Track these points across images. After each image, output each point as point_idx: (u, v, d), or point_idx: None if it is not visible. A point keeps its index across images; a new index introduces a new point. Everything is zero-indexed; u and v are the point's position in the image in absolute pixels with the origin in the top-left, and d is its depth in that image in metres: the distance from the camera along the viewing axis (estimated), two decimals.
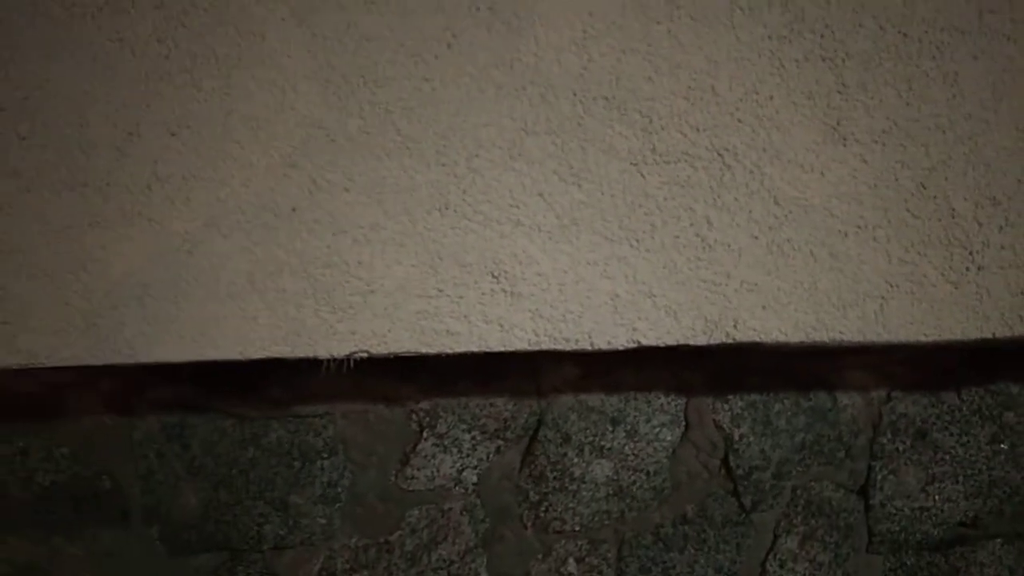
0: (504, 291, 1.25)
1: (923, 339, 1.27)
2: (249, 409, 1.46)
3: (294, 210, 1.22)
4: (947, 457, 1.52)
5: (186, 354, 1.22)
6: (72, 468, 1.43)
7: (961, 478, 1.53)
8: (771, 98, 1.25)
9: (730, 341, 1.26)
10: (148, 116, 1.19)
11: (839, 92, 1.24)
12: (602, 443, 1.49)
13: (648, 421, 1.50)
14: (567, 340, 1.25)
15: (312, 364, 1.28)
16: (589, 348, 1.26)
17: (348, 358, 1.24)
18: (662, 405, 1.50)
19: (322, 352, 1.23)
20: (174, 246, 1.21)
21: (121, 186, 1.19)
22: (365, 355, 1.24)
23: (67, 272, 1.18)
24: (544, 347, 1.26)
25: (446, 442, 1.48)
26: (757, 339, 1.26)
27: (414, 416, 1.48)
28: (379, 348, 1.23)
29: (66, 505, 1.43)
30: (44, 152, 1.17)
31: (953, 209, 1.25)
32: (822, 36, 1.24)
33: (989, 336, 1.26)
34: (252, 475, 1.46)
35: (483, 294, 1.25)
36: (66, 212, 1.18)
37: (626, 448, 1.50)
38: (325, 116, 1.22)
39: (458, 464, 1.49)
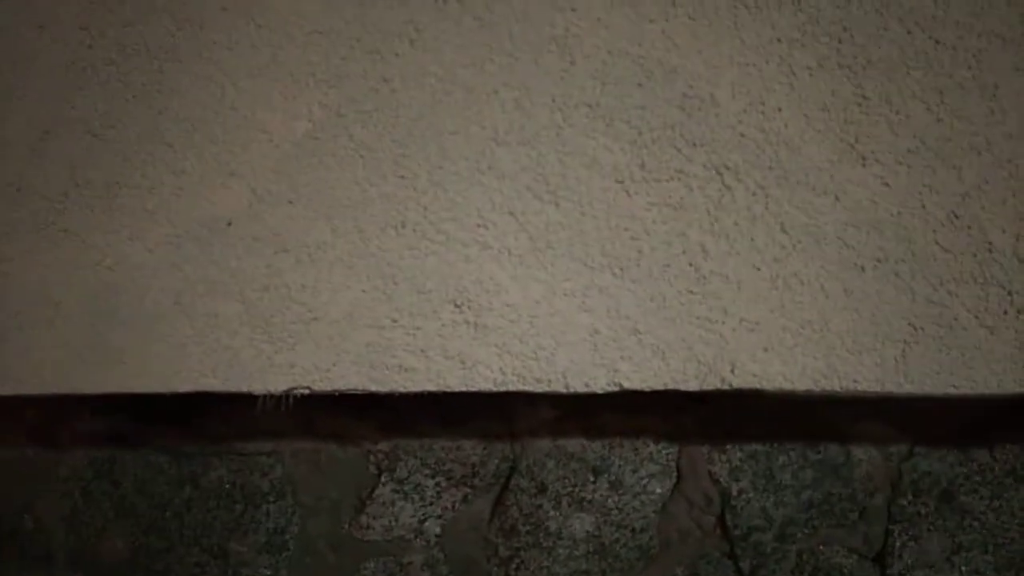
0: (467, 322, 1.14)
1: (952, 391, 1.13)
2: (187, 444, 1.38)
3: (230, 224, 1.13)
4: (976, 524, 1.39)
5: (104, 385, 1.15)
6: None
7: (991, 547, 1.39)
8: (779, 110, 1.13)
9: (726, 387, 1.14)
10: (67, 113, 1.12)
11: (858, 104, 1.12)
12: (582, 494, 1.38)
13: (635, 471, 1.38)
14: (538, 380, 1.14)
15: (251, 399, 1.17)
16: (563, 391, 1.15)
17: (287, 394, 1.13)
18: (651, 454, 1.38)
19: (257, 387, 1.14)
20: (93, 260, 1.13)
21: (33, 191, 1.12)
22: (306, 391, 1.13)
23: None
24: (512, 388, 1.15)
25: (407, 488, 1.38)
26: (757, 386, 1.14)
27: (372, 458, 1.38)
28: (321, 384, 1.14)
29: None
30: None
31: (989, 242, 1.12)
32: (840, 41, 1.12)
33: None
34: (188, 518, 1.38)
35: (443, 325, 1.14)
36: None
37: (609, 501, 1.38)
38: (268, 118, 1.12)
39: (420, 513, 1.38)
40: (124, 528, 1.37)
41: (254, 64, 1.11)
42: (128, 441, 1.36)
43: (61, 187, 1.10)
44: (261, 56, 1.11)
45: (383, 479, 1.37)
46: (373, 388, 1.13)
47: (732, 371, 1.13)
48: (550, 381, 1.14)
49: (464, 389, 1.13)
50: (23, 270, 1.10)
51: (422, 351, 1.13)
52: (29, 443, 1.37)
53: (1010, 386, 1.12)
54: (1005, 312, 1.12)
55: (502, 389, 1.14)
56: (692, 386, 1.13)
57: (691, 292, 1.13)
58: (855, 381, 1.13)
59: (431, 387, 1.13)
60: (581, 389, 1.14)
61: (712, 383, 1.13)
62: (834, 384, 1.13)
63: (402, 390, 1.13)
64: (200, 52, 1.10)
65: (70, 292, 1.11)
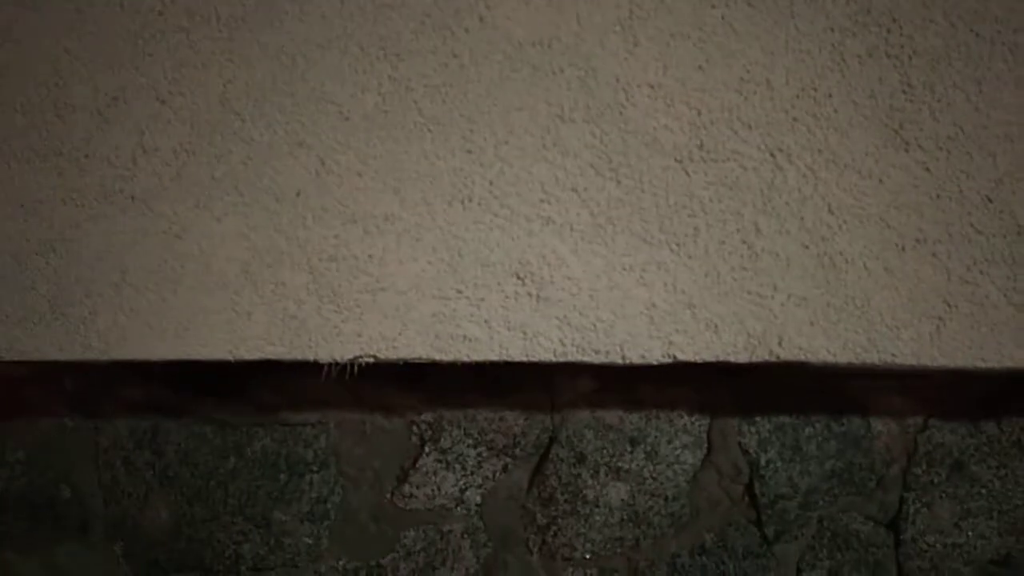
0: (530, 295, 1.15)
1: (981, 365, 1.19)
2: (232, 414, 1.37)
3: (298, 194, 1.12)
4: (983, 491, 1.45)
5: (168, 351, 1.13)
6: (27, 474, 1.34)
7: (996, 513, 1.46)
8: (830, 96, 1.17)
9: (774, 359, 1.18)
10: (136, 79, 1.10)
11: (904, 92, 1.17)
12: (619, 464, 1.41)
13: (669, 442, 1.42)
14: (596, 352, 1.16)
15: (309, 368, 1.18)
16: (620, 362, 1.17)
17: (352, 362, 1.14)
18: (685, 425, 1.42)
19: (323, 355, 1.13)
20: (160, 228, 1.12)
21: (101, 158, 1.10)
22: (371, 360, 1.13)
23: (34, 253, 1.08)
24: (571, 358, 1.16)
25: (449, 458, 1.39)
26: (803, 358, 1.18)
27: (415, 428, 1.39)
28: (388, 353, 1.14)
29: (20, 516, 1.35)
30: (13, 116, 1.08)
31: (1020, 226, 1.17)
32: (888, 31, 1.16)
33: None
34: (232, 488, 1.37)
35: (506, 297, 1.15)
36: (36, 184, 1.08)
37: (644, 470, 1.41)
38: (338, 90, 1.12)
39: (461, 482, 1.40)
40: (166, 498, 1.36)
41: (325, 36, 1.10)
42: (171, 410, 1.35)
43: (129, 154, 1.08)
44: (332, 28, 1.10)
45: (426, 449, 1.38)
46: (438, 357, 1.14)
47: (780, 344, 1.17)
48: (608, 352, 1.16)
49: (525, 359, 1.15)
50: (90, 236, 1.08)
51: (485, 322, 1.14)
52: (69, 412, 1.34)
53: None
54: None
55: (562, 360, 1.15)
56: (742, 358, 1.17)
57: (744, 268, 1.17)
58: (893, 355, 1.18)
59: (494, 357, 1.14)
60: (637, 360, 1.16)
61: (761, 355, 1.17)
62: (873, 357, 1.18)
63: (466, 359, 1.14)
64: (271, 22, 1.09)
65: (136, 259, 1.09)
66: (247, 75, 1.09)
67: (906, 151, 1.17)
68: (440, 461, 1.39)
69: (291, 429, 1.37)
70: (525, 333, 1.15)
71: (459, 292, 1.14)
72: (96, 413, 1.35)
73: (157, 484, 1.35)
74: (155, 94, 1.08)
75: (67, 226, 1.07)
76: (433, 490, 1.39)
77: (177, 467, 1.36)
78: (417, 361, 1.14)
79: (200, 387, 1.34)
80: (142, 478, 1.36)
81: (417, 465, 1.39)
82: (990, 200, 1.17)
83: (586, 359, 1.16)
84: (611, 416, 1.40)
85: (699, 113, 1.15)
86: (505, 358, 1.15)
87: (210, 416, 1.35)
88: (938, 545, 1.46)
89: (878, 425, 1.44)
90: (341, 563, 1.39)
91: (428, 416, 1.38)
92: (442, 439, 1.39)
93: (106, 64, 1.06)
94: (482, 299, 1.14)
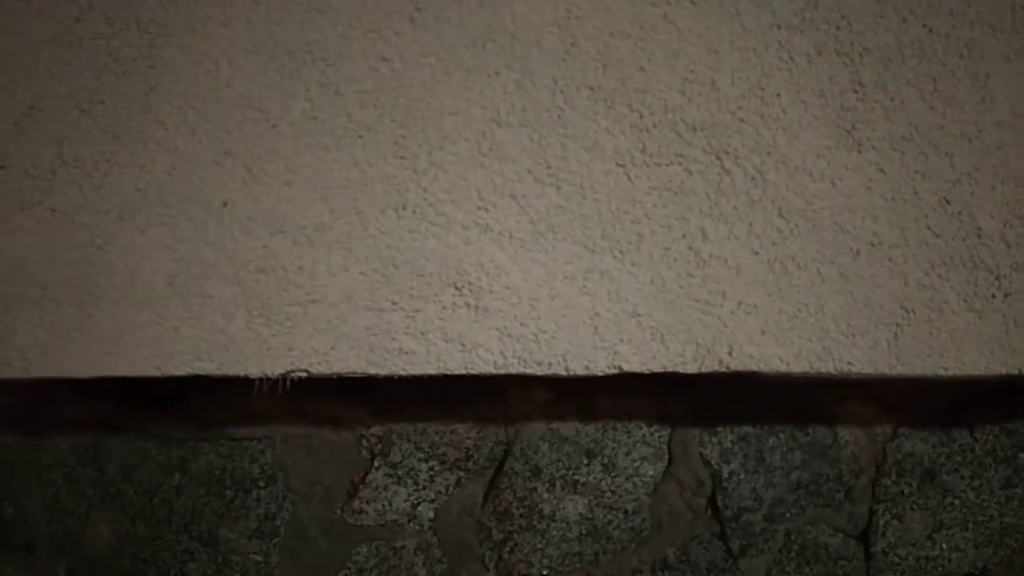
0: (468, 305, 1.13)
1: (941, 373, 1.16)
2: (175, 430, 1.35)
3: (225, 204, 1.10)
4: (956, 502, 1.42)
5: (93, 368, 1.11)
6: None
7: (971, 525, 1.42)
8: (778, 95, 1.14)
9: (724, 370, 1.15)
10: (54, 88, 1.07)
11: (855, 91, 1.13)
12: (576, 477, 1.38)
13: (628, 454, 1.38)
14: (539, 363, 1.13)
15: (244, 382, 1.14)
16: (564, 373, 1.14)
17: (284, 377, 1.11)
18: (644, 436, 1.39)
19: (254, 370, 1.11)
20: (81, 241, 1.09)
21: (18, 168, 1.07)
22: (304, 375, 1.10)
23: None
24: (512, 370, 1.14)
25: (400, 472, 1.36)
26: (755, 368, 1.15)
27: (364, 442, 1.36)
28: (320, 367, 1.11)
29: None
30: None
31: (979, 228, 1.14)
32: (837, 28, 1.13)
33: (1015, 372, 1.16)
34: (176, 505, 1.35)
35: (443, 308, 1.13)
36: None
37: (602, 483, 1.38)
38: (265, 97, 1.09)
39: (413, 497, 1.37)
40: (109, 516, 1.34)
41: (250, 41, 1.08)
42: (113, 426, 1.32)
43: (47, 164, 1.06)
44: (257, 33, 1.07)
45: (376, 463, 1.35)
46: (372, 371, 1.11)
47: (730, 354, 1.14)
48: (550, 364, 1.13)
49: (464, 372, 1.12)
50: (8, 250, 1.05)
51: (422, 334, 1.12)
52: (8, 430, 1.32)
53: (996, 367, 1.15)
54: (993, 296, 1.14)
55: (502, 372, 1.13)
56: (691, 368, 1.14)
57: (690, 275, 1.13)
58: (849, 363, 1.15)
59: (431, 370, 1.12)
60: (581, 372, 1.14)
61: (710, 365, 1.14)
62: (829, 366, 1.15)
63: (402, 373, 1.11)
64: (194, 27, 1.07)
65: (58, 273, 1.07)
66: (170, 82, 1.07)
67: (859, 152, 1.13)
68: (391, 476, 1.36)
69: (236, 444, 1.35)
70: (464, 345, 1.12)
71: (394, 304, 1.11)
72: (37, 430, 1.33)
73: (99, 502, 1.33)
74: (74, 103, 1.06)
75: None
76: (384, 505, 1.37)
77: (120, 484, 1.34)
78: (352, 375, 1.12)
79: (142, 402, 1.31)
80: (84, 496, 1.33)
81: (367, 480, 1.36)
82: (947, 202, 1.14)
83: (528, 371, 1.14)
84: (567, 428, 1.37)
85: (641, 115, 1.12)
86: (443, 371, 1.12)
87: (153, 431, 1.33)
88: (910, 558, 1.43)
89: (845, 434, 1.41)
90: None
91: (377, 430, 1.35)
92: (392, 453, 1.36)
93: (22, 73, 1.04)
94: (418, 310, 1.12)
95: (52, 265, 1.07)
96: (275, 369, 1.10)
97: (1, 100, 1.04)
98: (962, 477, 1.41)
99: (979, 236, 1.14)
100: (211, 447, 1.34)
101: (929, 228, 1.14)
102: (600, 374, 1.14)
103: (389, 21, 1.09)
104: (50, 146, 1.06)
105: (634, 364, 1.14)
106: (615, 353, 1.13)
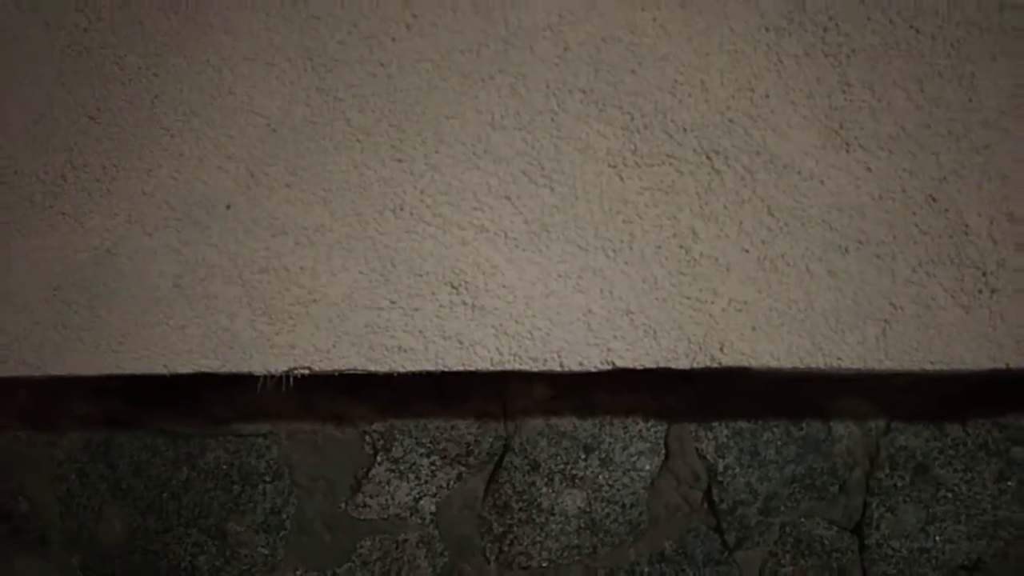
0: (464, 304, 1.14)
1: (929, 368, 1.15)
2: (184, 426, 1.36)
3: (229, 207, 1.11)
4: (949, 495, 1.41)
5: (103, 367, 1.12)
6: None
7: (964, 517, 1.42)
8: (767, 96, 1.14)
9: (715, 365, 1.15)
10: (63, 96, 1.09)
11: (842, 92, 1.14)
12: (574, 472, 1.39)
13: (625, 449, 1.39)
14: (534, 360, 1.14)
15: (250, 380, 1.16)
16: (558, 369, 1.15)
17: (287, 375, 1.13)
18: (640, 431, 1.39)
19: (257, 367, 1.12)
20: (91, 244, 1.11)
21: (30, 174, 1.09)
22: (306, 372, 1.12)
23: None
24: (508, 367, 1.14)
25: (402, 467, 1.38)
26: (745, 364, 1.15)
27: (367, 438, 1.38)
28: (322, 364, 1.12)
29: None
30: None
31: (966, 225, 1.14)
32: (825, 29, 1.13)
33: (1002, 366, 1.15)
34: (185, 499, 1.37)
35: (441, 307, 1.14)
36: None
37: (600, 478, 1.39)
38: (266, 102, 1.11)
39: (415, 491, 1.39)
40: (120, 510, 1.36)
41: (251, 48, 1.09)
42: (124, 423, 1.34)
43: (58, 170, 1.08)
44: (258, 40, 1.09)
45: (379, 459, 1.37)
46: (372, 368, 1.12)
47: (721, 350, 1.15)
48: (545, 360, 1.14)
49: (461, 368, 1.13)
50: (21, 253, 1.07)
51: (420, 332, 1.13)
52: (23, 426, 1.35)
53: (984, 362, 1.15)
54: (980, 291, 1.14)
55: (498, 368, 1.14)
56: (683, 364, 1.15)
57: (681, 273, 1.15)
58: (838, 359, 1.15)
59: (429, 367, 1.13)
60: (575, 368, 1.14)
61: (702, 361, 1.15)
62: (818, 362, 1.15)
63: (401, 370, 1.12)
64: (197, 36, 1.08)
65: (68, 275, 1.09)
66: (174, 90, 1.09)
67: (847, 151, 1.14)
68: (393, 471, 1.38)
69: (243, 440, 1.37)
70: (461, 342, 1.14)
71: (392, 302, 1.13)
72: (50, 427, 1.35)
73: (111, 496, 1.35)
74: (83, 110, 1.07)
75: None
76: (387, 499, 1.39)
77: (131, 479, 1.36)
78: (351, 372, 1.13)
79: (151, 399, 1.34)
80: (96, 491, 1.36)
81: (370, 475, 1.38)
82: (934, 199, 1.14)
83: (523, 367, 1.15)
84: (565, 424, 1.39)
85: (632, 117, 1.13)
86: (441, 368, 1.13)
87: (162, 428, 1.35)
88: (904, 550, 1.43)
89: (839, 428, 1.41)
90: (297, 573, 1.39)
91: (379, 426, 1.37)
92: (394, 448, 1.38)
93: (33, 82, 1.06)
94: (416, 309, 1.13)
95: (63, 267, 1.08)
96: (278, 366, 1.12)
97: (13, 109, 1.06)
98: (955, 470, 1.41)
99: (966, 233, 1.14)
100: (219, 443, 1.36)
101: (916, 225, 1.14)
102: (594, 370, 1.15)
103: (386, 28, 1.10)
104: (60, 153, 1.07)
105: (627, 360, 1.14)
106: (608, 349, 1.14)
